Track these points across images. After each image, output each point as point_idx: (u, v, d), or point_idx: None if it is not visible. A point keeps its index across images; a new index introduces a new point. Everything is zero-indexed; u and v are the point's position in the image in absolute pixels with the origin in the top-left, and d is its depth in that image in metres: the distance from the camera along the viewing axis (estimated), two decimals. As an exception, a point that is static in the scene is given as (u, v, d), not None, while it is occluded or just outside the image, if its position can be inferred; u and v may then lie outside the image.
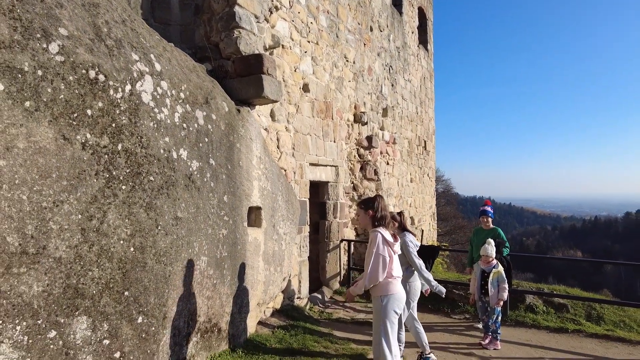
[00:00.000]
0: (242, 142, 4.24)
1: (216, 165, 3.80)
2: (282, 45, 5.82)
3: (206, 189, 3.63)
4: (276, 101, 4.82)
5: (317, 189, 7.33)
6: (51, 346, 2.34)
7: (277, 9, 5.63)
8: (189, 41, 4.79)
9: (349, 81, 8.06)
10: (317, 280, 7.35)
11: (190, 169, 3.45)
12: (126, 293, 2.78)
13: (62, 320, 2.40)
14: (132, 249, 2.83)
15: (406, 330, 4.56)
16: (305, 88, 6.45)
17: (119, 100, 2.83)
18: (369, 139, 8.58)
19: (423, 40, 13.43)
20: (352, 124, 8.21)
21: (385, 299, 3.27)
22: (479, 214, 6.14)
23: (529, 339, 5.51)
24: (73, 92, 2.54)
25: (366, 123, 8.56)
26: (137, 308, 2.86)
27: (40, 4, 2.49)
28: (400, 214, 4.67)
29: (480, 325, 5.65)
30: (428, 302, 6.69)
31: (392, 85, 10.34)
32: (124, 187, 2.81)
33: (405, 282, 4.14)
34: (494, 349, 5.07)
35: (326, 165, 7.18)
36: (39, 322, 2.29)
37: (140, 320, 2.87)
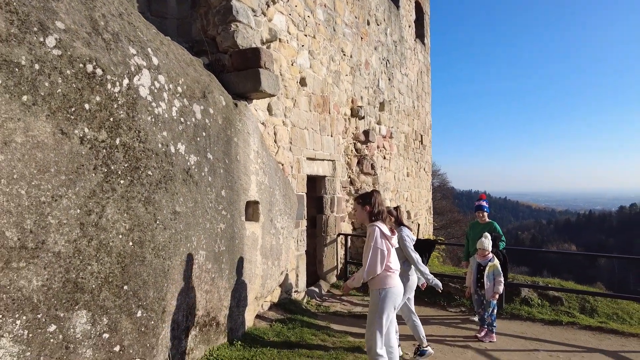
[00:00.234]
0: (239, 137, 4.24)
1: (214, 160, 3.79)
2: (279, 39, 5.79)
3: (204, 183, 3.63)
4: (273, 95, 4.81)
5: (315, 183, 7.34)
6: (51, 340, 2.35)
7: (274, 2, 5.60)
8: (186, 35, 4.76)
9: (346, 75, 8.04)
10: (314, 274, 7.38)
11: (188, 164, 3.45)
12: (125, 287, 2.79)
13: (61, 315, 2.41)
14: (130, 244, 2.83)
15: (403, 323, 4.60)
16: (303, 82, 6.44)
17: (116, 95, 2.82)
18: (366, 133, 8.59)
19: (420, 34, 13.41)
20: (349, 118, 8.21)
21: (384, 292, 3.30)
22: (475, 209, 6.18)
23: (524, 331, 5.57)
24: (70, 86, 2.53)
25: (363, 117, 8.56)
26: (137, 302, 2.87)
27: (37, -3, 2.46)
28: (397, 208, 4.70)
29: (476, 318, 5.71)
30: (424, 296, 6.74)
31: (389, 79, 10.33)
32: (122, 181, 2.81)
33: (402, 276, 4.18)
34: (490, 341, 5.13)
35: (323, 160, 7.19)
36: (39, 316, 2.30)
37: (139, 314, 2.88)
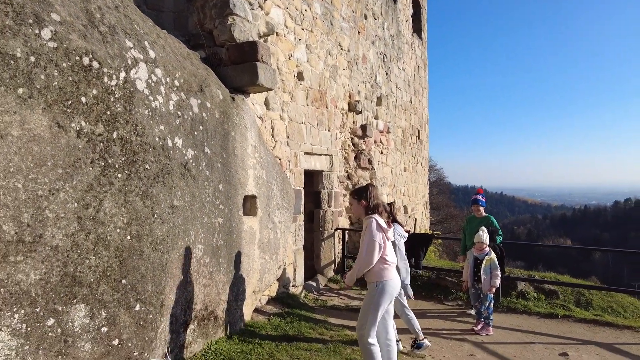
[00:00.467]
0: (236, 131, 4.23)
1: (211, 154, 3.78)
2: (277, 33, 5.76)
3: (202, 177, 3.62)
4: (271, 89, 4.79)
5: (312, 178, 7.34)
6: (50, 334, 2.35)
7: (271, -5, 5.56)
8: (182, 28, 4.72)
9: (344, 69, 8.02)
10: (312, 269, 7.40)
11: (186, 158, 3.44)
12: (123, 281, 2.78)
13: (60, 308, 2.40)
14: (128, 237, 2.83)
15: (397, 317, 4.62)
16: (300, 76, 6.42)
17: (113, 88, 2.80)
18: (363, 128, 8.58)
19: (417, 29, 13.37)
20: (346, 113, 8.20)
21: (380, 285, 3.31)
22: (471, 203, 6.21)
23: (520, 324, 5.62)
24: (67, 79, 2.51)
25: (360, 112, 8.55)
26: (135, 296, 2.86)
27: (32, -12, 2.43)
28: (391, 204, 4.72)
29: (472, 312, 5.75)
30: (421, 289, 6.79)
31: (387, 74, 10.31)
32: (119, 175, 2.80)
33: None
34: (486, 334, 5.17)
35: (321, 154, 7.18)
36: (37, 310, 2.29)
37: (138, 307, 2.88)
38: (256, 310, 5.04)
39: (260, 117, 5.40)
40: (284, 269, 5.80)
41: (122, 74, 2.88)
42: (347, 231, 7.98)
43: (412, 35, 12.57)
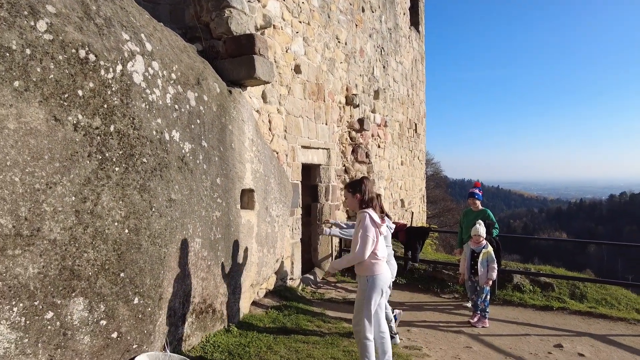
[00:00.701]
0: (234, 124, 4.22)
1: (208, 147, 3.78)
2: (274, 26, 5.73)
3: (199, 171, 3.61)
4: (268, 82, 4.77)
5: (309, 172, 7.34)
6: (48, 327, 2.36)
7: (268, -12, 5.52)
8: (179, 21, 4.69)
9: (341, 63, 7.99)
10: (309, 262, 7.42)
11: (183, 151, 3.43)
12: (122, 274, 2.79)
13: (58, 302, 2.41)
14: (126, 231, 2.83)
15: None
16: (297, 69, 6.39)
17: (110, 81, 2.78)
18: (361, 121, 8.57)
19: (414, 22, 13.31)
20: (343, 106, 8.18)
21: (371, 279, 3.33)
22: (467, 196, 6.23)
23: (516, 316, 5.68)
24: (63, 72, 2.49)
25: (358, 105, 8.53)
26: (133, 289, 2.87)
27: (26, -21, 2.41)
28: (378, 196, 4.72)
29: (469, 304, 5.79)
30: (418, 282, 6.83)
31: (384, 67, 10.28)
32: (117, 168, 2.79)
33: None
34: (483, 326, 5.22)
35: (318, 148, 7.18)
36: (36, 303, 2.30)
37: (136, 301, 2.89)
38: (254, 303, 5.06)
39: (257, 111, 5.38)
40: (282, 262, 5.82)
41: (119, 67, 2.86)
42: (344, 225, 8.01)
43: (409, 28, 12.52)
